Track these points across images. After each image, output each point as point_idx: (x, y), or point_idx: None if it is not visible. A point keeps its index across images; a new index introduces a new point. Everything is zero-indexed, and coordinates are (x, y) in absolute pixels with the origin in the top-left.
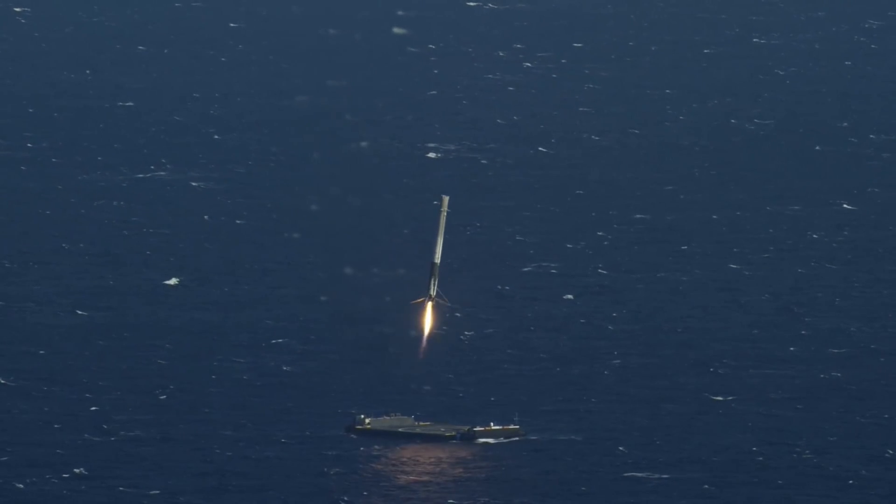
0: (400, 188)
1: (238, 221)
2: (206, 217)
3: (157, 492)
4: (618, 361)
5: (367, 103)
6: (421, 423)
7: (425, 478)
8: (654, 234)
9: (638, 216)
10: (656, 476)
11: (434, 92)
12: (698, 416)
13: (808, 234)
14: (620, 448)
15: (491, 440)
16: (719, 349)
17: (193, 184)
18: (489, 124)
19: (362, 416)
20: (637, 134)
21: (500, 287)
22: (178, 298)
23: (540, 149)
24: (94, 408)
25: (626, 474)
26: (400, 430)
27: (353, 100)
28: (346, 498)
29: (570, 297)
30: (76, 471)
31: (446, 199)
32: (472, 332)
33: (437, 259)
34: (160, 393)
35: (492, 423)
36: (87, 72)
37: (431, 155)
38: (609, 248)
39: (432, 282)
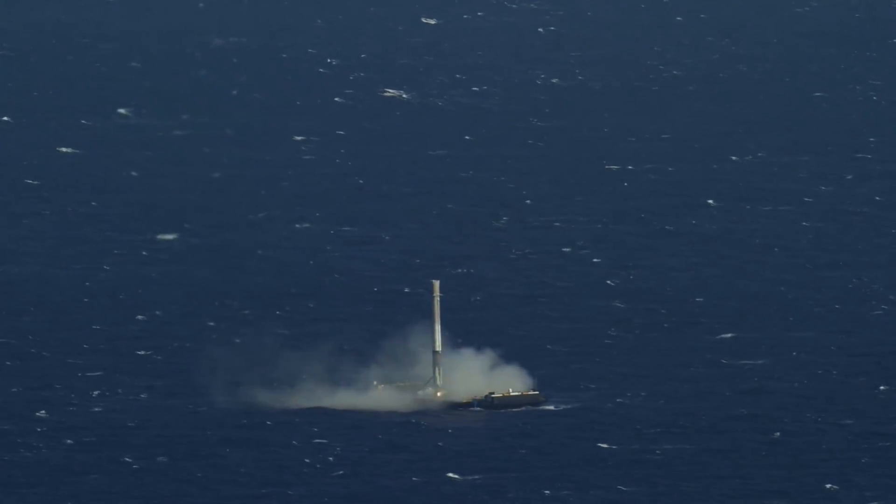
0: (385, 139)
1: (220, 173)
2: (193, 168)
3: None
4: (640, 321)
5: (340, 47)
6: (437, 389)
7: (438, 446)
8: (656, 186)
9: (643, 167)
10: (679, 446)
11: (419, 38)
12: (721, 381)
13: (814, 185)
14: (642, 417)
15: (509, 407)
16: (736, 310)
17: (181, 132)
18: (479, 68)
19: (374, 382)
20: (630, 79)
21: (502, 242)
22: (172, 254)
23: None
24: (79, 373)
25: (647, 445)
26: (416, 395)
27: (333, 43)
28: (346, 468)
29: (585, 251)
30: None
31: (437, 283)
32: (482, 295)
33: (438, 347)
34: (150, 355)
35: (510, 389)
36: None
37: (440, 103)
38: (610, 200)
39: (437, 371)
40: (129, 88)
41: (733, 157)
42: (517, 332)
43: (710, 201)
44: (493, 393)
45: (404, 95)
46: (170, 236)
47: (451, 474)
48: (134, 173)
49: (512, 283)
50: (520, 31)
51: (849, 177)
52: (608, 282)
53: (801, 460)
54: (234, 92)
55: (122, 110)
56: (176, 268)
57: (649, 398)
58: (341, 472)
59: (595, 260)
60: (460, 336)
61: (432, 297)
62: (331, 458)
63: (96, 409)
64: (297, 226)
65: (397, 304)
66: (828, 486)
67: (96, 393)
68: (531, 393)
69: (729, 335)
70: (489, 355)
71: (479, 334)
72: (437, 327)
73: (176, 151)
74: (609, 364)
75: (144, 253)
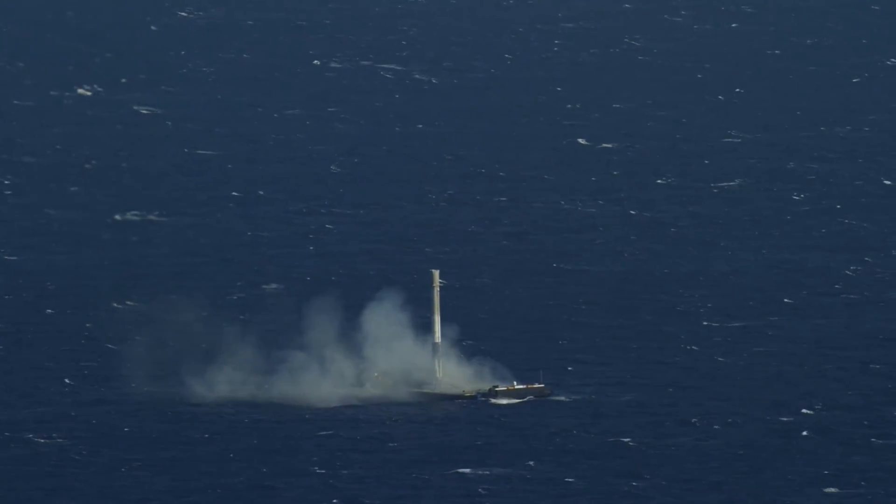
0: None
1: (202, 152)
2: (174, 147)
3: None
4: (640, 309)
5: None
6: (437, 381)
7: (438, 440)
8: (648, 166)
9: (634, 145)
10: (686, 440)
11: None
12: (729, 371)
13: (786, 163)
14: (648, 410)
15: (514, 400)
16: (738, 297)
17: (148, 110)
18: (465, 44)
19: (375, 374)
20: (616, 56)
21: (495, 224)
22: (140, 235)
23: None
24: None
25: (656, 439)
26: (417, 387)
27: (315, 18)
28: (343, 462)
29: (584, 235)
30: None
31: (436, 273)
32: (477, 281)
33: (438, 339)
34: (137, 344)
35: (515, 382)
36: None
37: (422, 78)
38: (602, 181)
39: (437, 363)
40: (98, 65)
41: (724, 139)
42: (516, 321)
43: (703, 183)
44: (497, 385)
45: (388, 76)
46: (155, 217)
47: (451, 469)
48: (109, 153)
49: (507, 269)
50: (505, 7)
51: (848, 154)
52: (605, 268)
53: (816, 454)
54: (212, 69)
55: (82, 89)
56: (159, 251)
57: (654, 390)
58: (338, 466)
59: (593, 243)
60: (456, 325)
61: (432, 288)
62: (328, 452)
63: (86, 401)
64: (283, 206)
65: (390, 290)
66: (830, 489)
67: (83, 385)
68: (536, 385)
69: (734, 324)
70: (487, 346)
71: (477, 323)
72: (437, 318)
73: (152, 130)
74: (613, 354)
75: (130, 236)
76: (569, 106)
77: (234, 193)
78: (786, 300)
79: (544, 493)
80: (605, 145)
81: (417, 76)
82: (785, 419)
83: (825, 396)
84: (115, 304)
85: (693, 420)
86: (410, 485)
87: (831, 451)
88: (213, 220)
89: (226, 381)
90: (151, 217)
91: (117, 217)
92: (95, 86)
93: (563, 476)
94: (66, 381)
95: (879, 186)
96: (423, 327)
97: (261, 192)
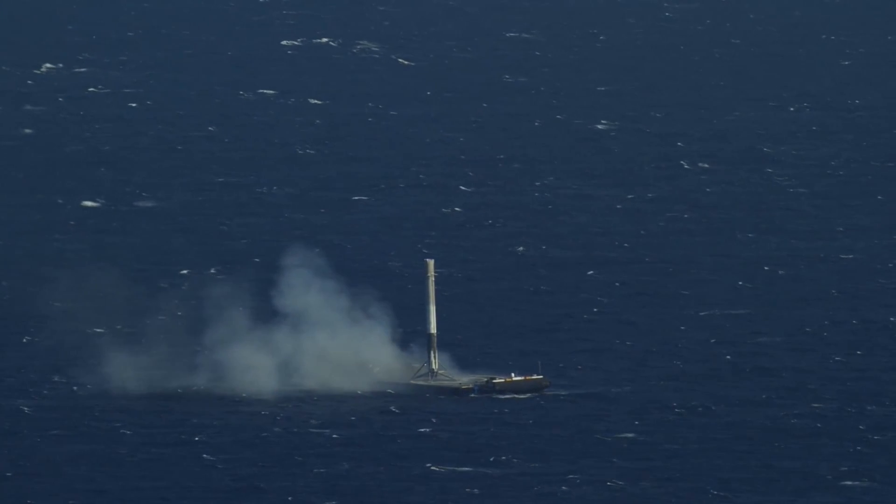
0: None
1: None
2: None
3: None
4: (640, 298)
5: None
6: (433, 373)
7: (435, 436)
8: (642, 149)
9: (627, 127)
10: (693, 435)
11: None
12: (732, 363)
13: (776, 146)
14: (653, 404)
15: (512, 393)
16: (738, 285)
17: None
18: (451, 24)
19: (375, 369)
20: (607, 37)
21: (485, 211)
22: (100, 223)
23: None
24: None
25: (662, 435)
26: (410, 380)
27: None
28: (336, 457)
29: (581, 220)
30: None
31: (431, 262)
32: (469, 271)
33: (433, 329)
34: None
35: (513, 374)
36: None
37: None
38: (597, 163)
39: (432, 354)
40: (70, 46)
41: (727, 117)
42: (513, 312)
43: (703, 165)
44: (493, 378)
45: (367, 56)
46: (129, 202)
47: (448, 466)
48: (83, 136)
49: (500, 259)
50: None
51: (847, 136)
52: (605, 254)
53: (818, 449)
54: (190, 52)
55: (54, 69)
56: (134, 238)
57: (658, 383)
58: (330, 461)
59: (591, 231)
60: (450, 316)
61: (427, 278)
62: (319, 446)
63: (82, 393)
64: (266, 189)
65: (382, 278)
66: (836, 486)
67: (79, 376)
68: (534, 378)
69: (734, 312)
70: (483, 339)
71: (471, 315)
72: (432, 308)
73: (124, 112)
74: (614, 344)
75: (114, 222)
76: (553, 89)
77: (215, 179)
78: (784, 290)
79: (542, 492)
80: (595, 127)
81: (396, 57)
82: (789, 415)
83: (828, 392)
84: (82, 295)
85: (693, 414)
86: (403, 482)
87: (836, 447)
88: (191, 205)
89: (204, 376)
90: (127, 202)
91: (86, 203)
92: (67, 66)
93: (560, 473)
94: (31, 375)
95: (870, 169)
96: (402, 317)
97: (241, 177)
